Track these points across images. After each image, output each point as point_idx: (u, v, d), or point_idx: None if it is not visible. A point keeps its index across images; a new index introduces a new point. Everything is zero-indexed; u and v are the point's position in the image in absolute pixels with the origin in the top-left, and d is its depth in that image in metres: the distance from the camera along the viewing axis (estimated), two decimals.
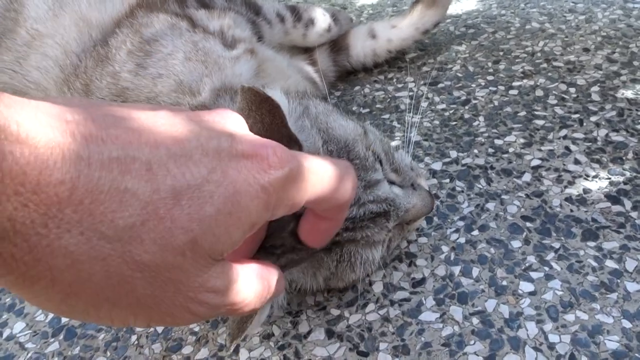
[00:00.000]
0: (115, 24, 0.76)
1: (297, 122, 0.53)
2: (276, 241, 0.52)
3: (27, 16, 0.81)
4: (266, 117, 0.43)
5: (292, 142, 0.46)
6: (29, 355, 0.60)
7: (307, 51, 0.90)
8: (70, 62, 0.73)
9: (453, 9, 1.08)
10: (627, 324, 0.50)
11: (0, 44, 0.81)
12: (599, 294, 0.53)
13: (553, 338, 0.50)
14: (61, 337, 0.61)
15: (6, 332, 0.63)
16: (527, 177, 0.68)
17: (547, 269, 0.56)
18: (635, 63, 0.83)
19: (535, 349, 0.50)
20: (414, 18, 0.89)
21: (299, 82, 0.78)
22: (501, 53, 0.91)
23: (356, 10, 1.15)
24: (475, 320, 0.53)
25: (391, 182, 0.56)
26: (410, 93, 0.87)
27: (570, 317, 0.52)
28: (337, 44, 0.91)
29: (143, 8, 0.77)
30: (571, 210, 0.63)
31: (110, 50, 0.71)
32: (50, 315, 0.64)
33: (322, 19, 0.87)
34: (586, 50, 0.87)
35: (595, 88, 0.79)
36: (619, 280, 0.54)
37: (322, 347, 0.54)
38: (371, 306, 0.57)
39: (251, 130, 0.39)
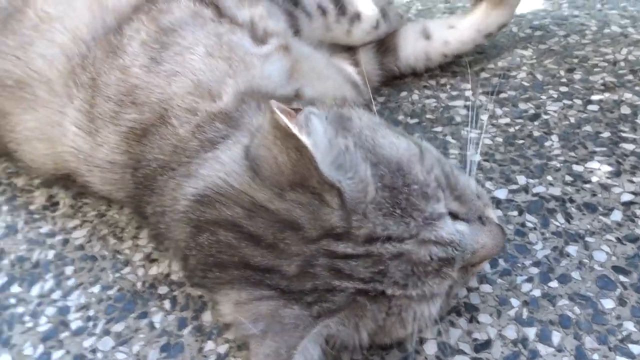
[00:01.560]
0: (134, 10, 0.66)
1: (336, 141, 0.42)
2: (306, 284, 0.41)
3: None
4: (292, 153, 0.38)
5: (325, 186, 0.38)
6: None
7: (349, 50, 0.78)
8: (79, 51, 0.63)
9: (517, 8, 0.95)
10: None
11: (6, 26, 0.72)
12: None
13: None
14: None
15: None
16: (616, 215, 0.56)
17: None
18: None
19: None
20: (477, 18, 0.77)
21: (339, 85, 0.67)
22: (575, 60, 0.78)
23: (404, 5, 1.03)
24: None
25: (454, 215, 0.45)
26: (467, 103, 0.75)
27: None
28: (384, 44, 0.79)
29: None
30: None
31: (122, 39, 0.60)
32: (39, 350, 0.54)
33: (369, 14, 0.76)
34: None
35: None
36: None
37: None
38: None
39: (275, 160, 0.38)
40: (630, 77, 0.73)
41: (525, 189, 0.60)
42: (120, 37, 0.61)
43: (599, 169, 0.61)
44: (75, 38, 0.65)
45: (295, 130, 0.37)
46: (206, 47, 0.56)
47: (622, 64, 0.75)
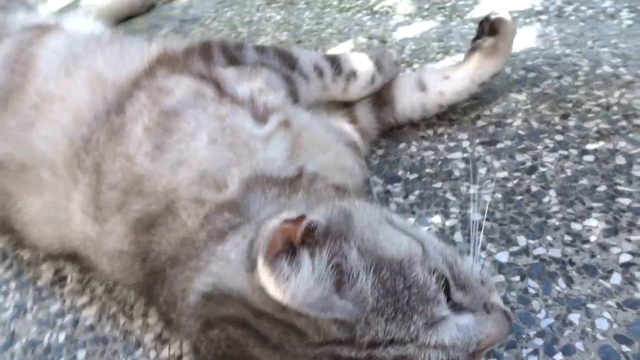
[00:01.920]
0: (133, 85, 0.66)
1: (325, 272, 0.43)
2: None
3: (37, 71, 0.73)
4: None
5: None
6: None
7: (346, 106, 0.79)
8: (81, 133, 0.64)
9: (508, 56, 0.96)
10: None
11: (6, 105, 0.73)
12: None
13: None
14: None
15: None
16: (616, 278, 0.57)
17: None
18: None
19: None
20: (470, 68, 0.78)
21: (339, 153, 0.68)
22: (569, 105, 0.79)
23: (397, 44, 1.04)
24: None
25: (458, 307, 0.45)
26: (465, 155, 0.76)
27: None
28: (380, 97, 0.80)
29: (164, 65, 0.68)
30: None
31: (126, 122, 0.61)
32: None
33: (365, 69, 0.76)
34: None
35: None
36: None
37: None
38: None
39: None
40: (624, 122, 0.73)
41: (526, 251, 0.61)
42: (123, 118, 0.62)
43: (597, 226, 0.62)
44: (77, 118, 0.66)
45: (273, 291, 0.39)
46: (209, 134, 0.57)
47: (615, 108, 0.76)
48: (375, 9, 1.17)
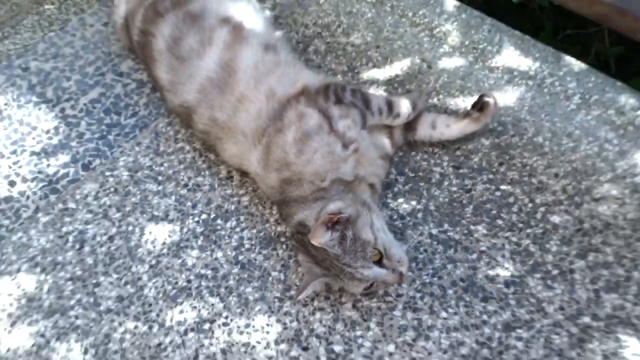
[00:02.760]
0: (288, 102, 1.33)
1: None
2: (324, 261, 1.20)
3: (238, 80, 1.38)
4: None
5: None
6: None
7: (388, 127, 1.46)
8: (261, 122, 1.33)
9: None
10: None
11: (224, 92, 1.40)
12: None
13: None
14: None
15: None
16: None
17: None
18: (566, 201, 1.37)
19: None
20: (461, 125, 1.43)
21: (378, 165, 1.37)
22: (507, 157, 1.45)
23: (436, 73, 1.64)
24: None
25: (382, 265, 1.17)
26: (441, 170, 1.45)
27: None
28: (409, 125, 1.46)
29: (304, 97, 1.33)
30: None
31: (284, 127, 1.30)
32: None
33: (405, 112, 1.42)
34: (556, 175, 1.41)
35: (542, 208, 1.36)
36: None
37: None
38: None
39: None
40: (526, 179, 1.41)
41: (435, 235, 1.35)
42: (282, 124, 1.30)
43: (480, 231, 1.35)
44: (259, 114, 1.34)
45: (315, 237, 1.11)
46: (322, 153, 1.25)
47: (528, 168, 1.43)
48: (435, 32, 1.74)
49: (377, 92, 1.54)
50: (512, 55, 1.64)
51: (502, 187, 1.41)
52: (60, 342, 1.27)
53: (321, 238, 1.10)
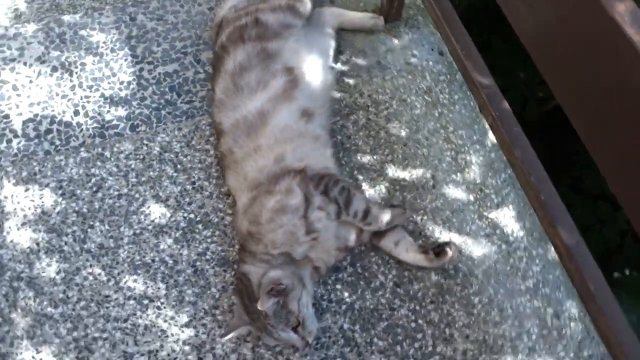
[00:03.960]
0: (287, 171, 1.58)
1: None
2: None
3: (264, 132, 1.63)
4: None
5: None
6: None
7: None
8: (260, 177, 1.58)
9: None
10: None
11: (249, 135, 1.65)
12: None
13: None
14: None
15: None
16: None
17: None
18: None
19: None
20: (416, 258, 1.62)
21: (329, 256, 1.59)
22: (440, 299, 1.64)
23: (436, 195, 1.80)
24: None
25: (295, 330, 1.45)
26: (384, 280, 1.67)
27: None
28: (380, 232, 1.66)
29: (300, 176, 1.56)
30: None
31: (271, 192, 1.54)
32: None
33: (378, 225, 1.61)
34: (467, 337, 1.60)
35: (437, 357, 1.56)
36: None
37: None
38: None
39: None
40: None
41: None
42: (272, 188, 1.55)
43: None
44: (262, 170, 1.59)
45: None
46: (286, 230, 1.48)
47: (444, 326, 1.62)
48: (459, 157, 1.88)
49: (363, 195, 1.72)
50: (506, 213, 1.78)
51: (420, 321, 1.61)
52: (46, 255, 1.66)
53: (265, 304, 1.37)
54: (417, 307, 1.63)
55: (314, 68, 1.80)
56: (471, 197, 1.81)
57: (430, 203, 1.80)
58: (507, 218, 1.77)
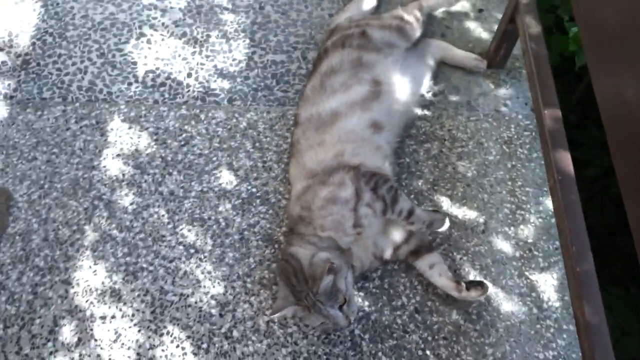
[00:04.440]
0: (342, 166, 1.69)
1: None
2: None
3: (330, 130, 1.76)
4: None
5: None
6: None
7: (407, 241, 1.74)
8: (317, 168, 1.71)
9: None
10: None
11: (317, 130, 1.79)
12: None
13: None
14: None
15: None
16: None
17: None
18: None
19: None
20: (446, 286, 1.65)
21: (365, 258, 1.68)
22: (454, 338, 1.67)
23: (482, 241, 1.82)
24: None
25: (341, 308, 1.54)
26: (407, 301, 1.73)
27: None
28: (418, 251, 1.70)
29: (353, 172, 1.66)
30: None
31: (325, 183, 1.66)
32: None
33: (418, 227, 1.69)
34: None
35: None
36: None
37: None
38: None
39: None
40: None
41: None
42: (326, 179, 1.67)
43: None
44: (320, 162, 1.71)
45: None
46: (335, 219, 1.58)
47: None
48: (518, 212, 1.89)
49: (408, 198, 1.79)
50: (548, 280, 1.76)
51: (428, 352, 1.65)
52: (127, 187, 1.91)
53: (325, 282, 1.48)
54: (429, 338, 1.67)
55: (402, 89, 1.90)
56: (517, 254, 1.81)
57: (474, 246, 1.82)
58: (547, 285, 1.75)
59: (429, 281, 1.73)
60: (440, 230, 1.74)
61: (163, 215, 1.86)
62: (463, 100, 2.13)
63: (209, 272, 1.76)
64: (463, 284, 1.66)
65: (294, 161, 1.82)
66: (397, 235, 1.73)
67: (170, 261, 1.78)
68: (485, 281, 1.67)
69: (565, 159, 1.53)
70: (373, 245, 1.70)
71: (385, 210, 1.66)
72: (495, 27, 2.21)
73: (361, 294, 1.74)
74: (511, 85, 2.16)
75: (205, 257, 1.79)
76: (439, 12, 2.31)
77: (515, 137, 2.04)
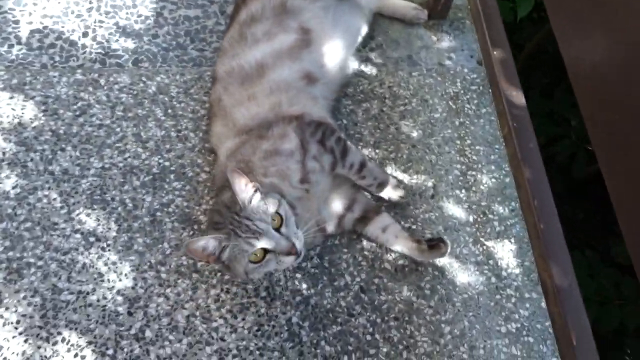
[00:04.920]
0: (282, 117, 1.41)
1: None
2: None
3: (260, 82, 1.48)
4: None
5: None
6: None
7: (350, 207, 1.50)
8: (252, 123, 1.41)
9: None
10: None
11: (243, 84, 1.51)
12: None
13: None
14: None
15: None
16: None
17: None
18: None
19: None
20: (407, 246, 1.47)
21: (312, 212, 1.42)
22: (406, 318, 1.45)
23: (432, 206, 1.62)
24: None
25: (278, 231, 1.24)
26: (351, 271, 1.50)
27: None
28: (364, 217, 1.48)
29: (296, 122, 1.39)
30: None
31: (264, 137, 1.36)
32: None
33: (378, 178, 1.49)
34: None
35: None
36: None
37: None
38: None
39: None
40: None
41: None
42: (265, 133, 1.38)
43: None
44: (254, 117, 1.43)
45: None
46: (281, 170, 1.31)
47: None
48: (469, 174, 1.69)
49: (359, 150, 1.57)
50: (506, 246, 1.57)
51: (377, 336, 1.43)
52: (8, 167, 1.56)
53: (249, 193, 1.21)
54: (378, 320, 1.45)
55: (334, 39, 1.65)
56: (470, 219, 1.61)
57: (423, 213, 1.61)
58: (505, 250, 1.57)
59: (384, 247, 1.51)
60: (393, 196, 1.53)
61: (55, 199, 1.53)
62: (403, 54, 1.91)
63: (114, 263, 1.46)
64: (424, 243, 1.45)
65: (218, 121, 1.53)
66: (339, 204, 1.50)
67: (65, 253, 1.46)
68: (445, 238, 1.46)
69: (520, 102, 1.34)
70: (317, 211, 1.45)
71: (335, 164, 1.44)
72: None
73: (298, 275, 1.49)
74: (455, 37, 1.96)
75: (108, 245, 1.48)
76: None
77: (462, 92, 1.84)
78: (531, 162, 1.23)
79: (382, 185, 1.53)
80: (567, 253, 1.14)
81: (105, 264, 1.45)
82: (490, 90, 1.83)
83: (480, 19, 1.48)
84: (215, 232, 1.23)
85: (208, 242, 1.21)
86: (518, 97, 1.29)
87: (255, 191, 1.23)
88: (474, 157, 1.71)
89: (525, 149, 1.24)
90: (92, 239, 1.48)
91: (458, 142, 1.74)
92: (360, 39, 1.86)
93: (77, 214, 1.52)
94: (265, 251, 1.21)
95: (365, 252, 1.53)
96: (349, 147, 1.46)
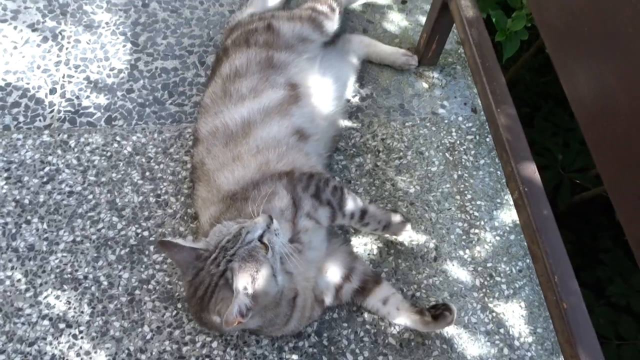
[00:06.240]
0: (271, 175, 1.27)
1: None
2: None
3: (246, 142, 1.36)
4: None
5: None
6: None
7: (346, 266, 1.37)
8: (236, 188, 1.28)
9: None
10: None
11: (227, 144, 1.37)
12: None
13: None
14: None
15: None
16: None
17: None
18: None
19: None
20: (410, 319, 1.34)
21: (307, 297, 1.28)
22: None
23: (435, 270, 1.51)
24: None
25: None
26: (351, 337, 1.36)
27: None
28: (363, 289, 1.35)
29: (287, 178, 1.26)
30: None
31: (249, 199, 1.23)
32: None
33: (372, 228, 1.38)
34: None
35: None
36: None
37: None
38: None
39: None
40: None
41: None
42: (247, 197, 1.24)
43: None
44: (240, 181, 1.30)
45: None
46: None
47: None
48: (471, 232, 1.59)
49: (356, 196, 1.46)
50: (516, 311, 1.47)
51: None
52: None
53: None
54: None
55: (323, 93, 1.55)
56: (477, 282, 1.50)
57: (427, 278, 1.50)
58: (515, 317, 1.46)
59: (386, 322, 1.38)
60: (400, 237, 1.47)
61: (19, 280, 1.37)
62: (395, 103, 1.82)
63: (87, 353, 1.30)
64: (428, 314, 1.33)
65: (202, 186, 1.40)
66: (336, 273, 1.37)
67: (31, 344, 1.29)
68: (449, 304, 1.34)
69: (529, 165, 1.25)
70: (314, 280, 1.32)
71: (334, 216, 1.34)
72: (422, 19, 1.94)
73: (294, 356, 1.35)
74: (447, 84, 1.88)
75: (81, 332, 1.32)
76: (359, 5, 2.00)
77: (458, 142, 1.75)
78: (547, 231, 1.13)
79: (387, 227, 1.44)
80: (594, 337, 1.03)
81: (78, 355, 1.29)
82: (487, 140, 1.75)
83: (479, 72, 1.39)
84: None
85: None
86: (527, 161, 1.20)
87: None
88: (476, 214, 1.61)
89: (540, 217, 1.14)
90: (62, 326, 1.32)
91: (458, 197, 1.64)
92: (349, 90, 1.76)
93: (45, 297, 1.35)
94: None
95: (367, 326, 1.40)
96: (347, 196, 1.36)
